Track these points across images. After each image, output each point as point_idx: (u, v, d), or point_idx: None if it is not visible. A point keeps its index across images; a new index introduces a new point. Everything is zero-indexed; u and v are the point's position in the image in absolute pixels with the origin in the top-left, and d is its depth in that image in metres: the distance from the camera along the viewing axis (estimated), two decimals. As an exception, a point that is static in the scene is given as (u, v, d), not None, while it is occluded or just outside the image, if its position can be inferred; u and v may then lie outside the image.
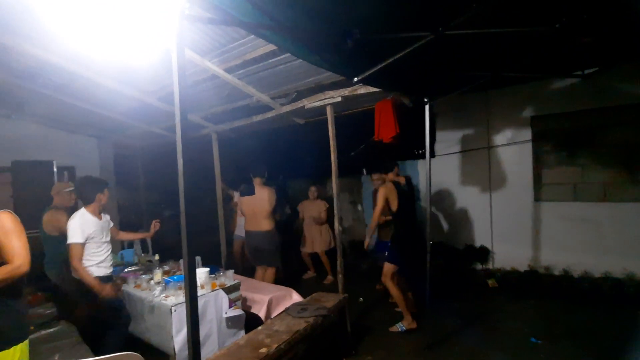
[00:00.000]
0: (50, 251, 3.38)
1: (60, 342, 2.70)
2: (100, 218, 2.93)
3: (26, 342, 1.78)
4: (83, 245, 2.74)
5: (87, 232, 2.76)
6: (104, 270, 2.88)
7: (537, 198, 4.75)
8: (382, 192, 3.46)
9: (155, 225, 3.40)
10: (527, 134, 4.75)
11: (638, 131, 4.12)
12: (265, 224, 4.12)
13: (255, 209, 4.15)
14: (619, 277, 4.11)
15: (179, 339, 2.64)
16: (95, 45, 2.70)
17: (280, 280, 4.22)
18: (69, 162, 5.17)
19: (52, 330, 2.92)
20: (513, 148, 4.85)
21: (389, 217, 4.03)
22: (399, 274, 3.57)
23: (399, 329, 3.48)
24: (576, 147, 4.53)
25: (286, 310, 2.94)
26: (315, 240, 5.43)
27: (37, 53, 2.82)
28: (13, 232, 1.71)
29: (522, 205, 4.77)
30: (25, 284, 1.85)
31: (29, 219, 3.67)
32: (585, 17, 1.70)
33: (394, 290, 3.48)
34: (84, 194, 2.90)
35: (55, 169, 4.86)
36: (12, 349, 1.70)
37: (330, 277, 5.37)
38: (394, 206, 3.47)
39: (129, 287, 3.22)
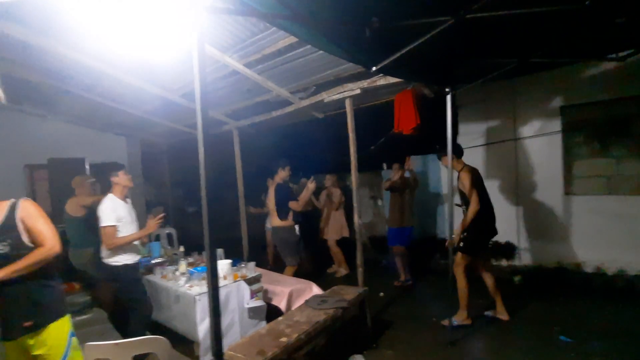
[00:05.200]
0: (76, 236, 3.59)
1: (93, 327, 2.85)
2: (126, 202, 3.08)
3: (69, 316, 1.96)
4: (116, 227, 2.88)
5: (118, 214, 2.91)
6: (133, 257, 2.99)
7: (568, 192, 4.53)
8: (468, 177, 3.22)
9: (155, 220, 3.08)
10: (556, 124, 4.53)
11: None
12: (275, 221, 4.14)
13: (269, 205, 4.24)
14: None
15: (203, 326, 2.73)
16: (121, 44, 2.81)
17: (302, 273, 4.23)
18: (99, 159, 5.42)
19: (85, 317, 3.09)
20: (541, 140, 4.65)
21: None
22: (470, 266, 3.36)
23: (452, 324, 3.24)
24: (610, 137, 4.28)
25: (306, 302, 2.97)
26: (326, 228, 5.50)
27: (69, 53, 2.96)
28: (39, 217, 1.84)
29: (551, 200, 4.58)
30: (60, 270, 1.99)
31: (64, 212, 3.92)
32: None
33: (462, 282, 3.29)
34: (102, 179, 3.10)
35: (87, 166, 5.11)
36: (61, 320, 1.89)
37: (334, 267, 5.41)
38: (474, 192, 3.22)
39: (156, 278, 3.34)
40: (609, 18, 1.94)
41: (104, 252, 2.93)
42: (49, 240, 1.80)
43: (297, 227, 4.13)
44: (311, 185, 3.90)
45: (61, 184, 4.79)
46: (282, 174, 4.13)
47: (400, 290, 4.52)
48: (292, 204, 3.97)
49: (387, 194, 6.31)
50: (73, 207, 3.64)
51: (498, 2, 1.61)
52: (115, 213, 2.89)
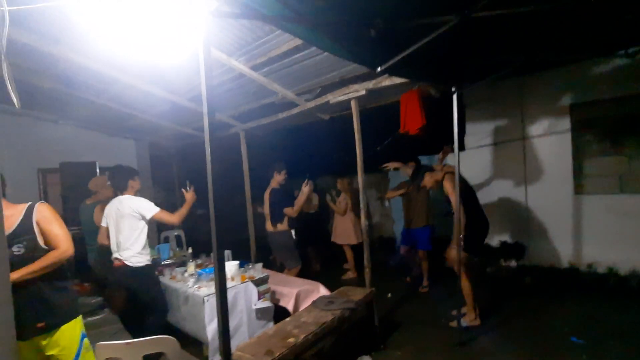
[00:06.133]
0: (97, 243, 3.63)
1: (105, 328, 2.90)
2: None
3: (80, 317, 2.01)
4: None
5: None
6: (146, 258, 3.03)
7: (578, 191, 4.46)
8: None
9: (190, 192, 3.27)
10: (565, 123, 4.47)
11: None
12: (269, 226, 4.14)
13: (265, 210, 4.27)
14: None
15: (212, 327, 2.75)
16: (130, 49, 2.86)
17: (310, 273, 4.22)
18: (109, 162, 5.48)
19: (97, 317, 3.14)
20: (551, 139, 4.59)
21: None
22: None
23: (461, 325, 3.19)
24: (621, 135, 4.21)
25: (314, 302, 2.97)
26: (335, 232, 5.48)
27: (79, 60, 3.03)
28: (54, 220, 1.90)
29: (561, 199, 4.51)
30: (73, 271, 2.04)
31: (76, 215, 3.99)
32: None
33: (466, 282, 3.26)
34: (118, 182, 3.12)
35: (98, 170, 5.21)
36: (73, 322, 1.94)
37: (349, 273, 5.34)
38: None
39: (165, 279, 3.38)
40: (617, 14, 1.91)
41: (124, 253, 2.95)
42: (63, 243, 1.86)
43: (292, 232, 4.09)
44: (306, 188, 3.84)
45: (73, 187, 4.91)
46: (278, 178, 4.11)
47: (407, 291, 4.49)
48: (287, 210, 3.93)
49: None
50: (99, 217, 3.37)
51: (503, 0, 1.60)
52: (150, 202, 3.02)
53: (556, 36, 2.25)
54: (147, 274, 3.02)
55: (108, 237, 3.09)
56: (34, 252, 1.81)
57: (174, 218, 2.99)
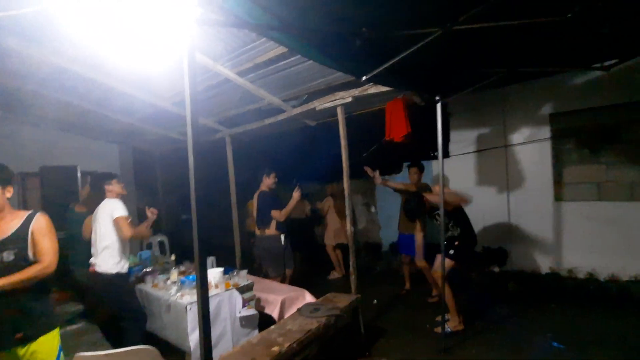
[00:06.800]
0: (82, 252, 3.46)
1: (84, 337, 2.82)
2: None
3: (58, 328, 1.98)
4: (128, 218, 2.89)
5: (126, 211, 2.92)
6: (118, 265, 2.90)
7: (558, 198, 4.59)
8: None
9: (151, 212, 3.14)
10: (546, 132, 4.61)
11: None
12: (257, 229, 4.14)
13: (253, 213, 4.28)
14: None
15: (194, 336, 2.70)
16: (114, 53, 2.82)
17: (294, 280, 4.20)
18: (92, 167, 5.38)
19: (76, 327, 3.05)
20: (531, 146, 4.72)
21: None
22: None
23: (446, 331, 3.23)
24: (600, 144, 4.36)
25: (299, 310, 2.95)
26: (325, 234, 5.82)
27: (62, 63, 2.97)
28: (48, 233, 1.91)
29: (542, 206, 4.62)
30: (53, 281, 2.01)
31: (56, 220, 3.86)
32: (601, 5, 1.64)
33: (448, 288, 3.28)
34: (100, 188, 3.05)
35: (79, 174, 5.08)
36: (51, 333, 1.91)
37: (333, 272, 5.66)
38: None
39: (147, 287, 3.30)
40: (594, 29, 1.99)
41: (100, 262, 2.85)
42: (47, 257, 1.86)
43: (282, 237, 4.02)
44: (296, 194, 3.85)
45: (53, 191, 4.77)
46: (267, 182, 4.09)
47: (393, 297, 4.51)
48: (274, 214, 3.89)
49: (381, 200, 6.35)
50: (88, 231, 3.16)
51: (483, 14, 1.65)
52: (124, 207, 2.91)
53: (536, 49, 2.32)
54: (117, 284, 2.87)
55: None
56: (20, 262, 1.81)
57: (128, 232, 2.81)
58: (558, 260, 4.54)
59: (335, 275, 5.63)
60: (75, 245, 3.53)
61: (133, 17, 2.27)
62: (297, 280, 4.16)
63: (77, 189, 4.70)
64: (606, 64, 2.61)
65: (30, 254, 1.84)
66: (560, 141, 4.58)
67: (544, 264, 4.63)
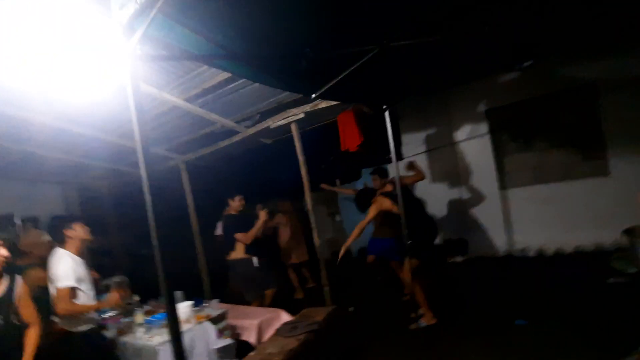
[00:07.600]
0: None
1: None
2: (83, 259, 2.63)
3: None
4: (75, 290, 2.42)
5: (79, 274, 2.45)
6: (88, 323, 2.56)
7: (503, 186, 5.01)
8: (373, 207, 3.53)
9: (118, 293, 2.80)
10: (484, 126, 5.04)
11: (584, 110, 4.49)
12: (226, 254, 4.03)
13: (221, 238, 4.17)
14: (589, 250, 4.37)
15: (169, 379, 2.55)
16: (48, 89, 2.66)
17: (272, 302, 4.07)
18: (32, 212, 4.92)
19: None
20: (474, 142, 5.13)
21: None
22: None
23: (420, 326, 3.43)
24: (531, 133, 4.86)
25: (277, 331, 2.92)
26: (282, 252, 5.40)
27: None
28: (27, 296, 1.95)
29: (490, 194, 5.03)
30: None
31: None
32: (487, 29, 1.88)
33: (416, 285, 3.39)
34: (56, 235, 2.60)
35: (18, 222, 4.63)
36: None
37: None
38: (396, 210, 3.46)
39: (112, 334, 3.07)
40: (508, 39, 2.25)
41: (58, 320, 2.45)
42: (34, 319, 1.93)
43: (255, 260, 3.89)
44: (262, 214, 3.78)
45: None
46: (234, 205, 3.98)
47: (368, 303, 4.59)
48: (239, 237, 3.79)
49: (344, 209, 6.49)
50: (34, 282, 2.57)
51: (414, 32, 1.81)
52: (75, 273, 2.41)
53: (464, 57, 2.56)
54: (83, 345, 2.47)
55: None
56: (6, 329, 1.80)
57: (74, 307, 2.40)
58: (510, 242, 4.95)
59: (298, 295, 5.27)
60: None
61: (65, 51, 2.17)
62: (275, 300, 4.08)
63: (16, 239, 4.26)
64: (523, 65, 2.96)
65: (14, 319, 1.84)
66: (498, 134, 5.03)
67: (500, 247, 5.01)
